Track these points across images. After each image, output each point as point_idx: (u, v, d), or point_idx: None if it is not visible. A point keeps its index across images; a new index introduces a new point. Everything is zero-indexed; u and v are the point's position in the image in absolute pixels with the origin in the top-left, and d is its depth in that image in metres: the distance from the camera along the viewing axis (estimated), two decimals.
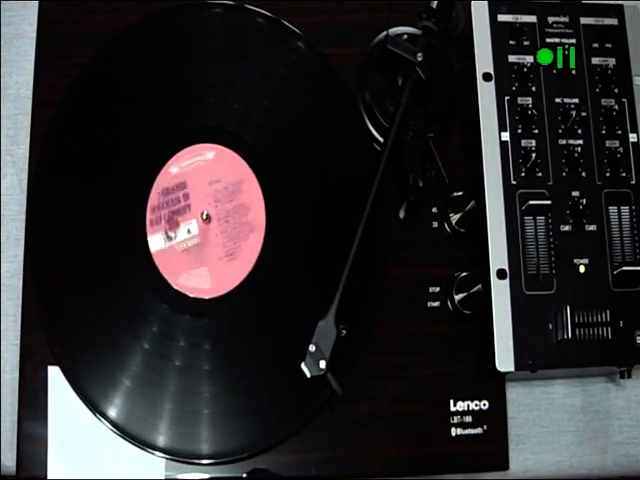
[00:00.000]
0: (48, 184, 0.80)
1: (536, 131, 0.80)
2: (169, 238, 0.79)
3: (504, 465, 0.79)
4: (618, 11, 0.83)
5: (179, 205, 0.80)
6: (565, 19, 0.83)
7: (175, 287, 0.79)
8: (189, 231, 0.80)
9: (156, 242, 0.79)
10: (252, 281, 0.79)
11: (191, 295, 0.78)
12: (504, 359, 0.76)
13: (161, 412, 0.76)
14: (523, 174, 0.79)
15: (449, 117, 0.84)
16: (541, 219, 0.79)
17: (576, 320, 0.76)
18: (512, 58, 0.81)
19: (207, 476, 0.77)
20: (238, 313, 0.79)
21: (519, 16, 0.82)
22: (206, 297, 0.79)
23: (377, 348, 0.80)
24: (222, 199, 0.81)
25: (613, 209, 0.79)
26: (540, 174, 0.79)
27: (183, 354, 0.77)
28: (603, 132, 0.81)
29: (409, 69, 0.78)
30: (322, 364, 0.74)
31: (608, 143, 0.81)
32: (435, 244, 0.82)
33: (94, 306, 0.78)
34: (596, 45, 0.82)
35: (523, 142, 0.80)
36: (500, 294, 0.77)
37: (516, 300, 0.77)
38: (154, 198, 0.80)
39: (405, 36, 0.81)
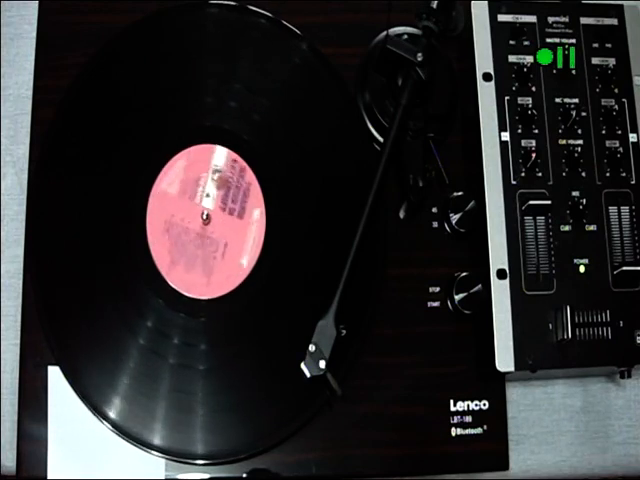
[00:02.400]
0: (48, 184, 0.80)
1: (536, 131, 0.80)
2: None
3: (504, 465, 0.79)
4: (618, 11, 0.83)
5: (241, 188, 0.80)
6: (565, 19, 0.83)
7: (173, 286, 0.79)
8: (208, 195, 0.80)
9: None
10: (252, 282, 0.79)
11: (188, 295, 0.78)
12: (504, 359, 0.76)
13: (161, 412, 0.76)
14: (523, 174, 0.79)
15: (449, 117, 0.84)
16: (541, 219, 0.79)
17: (576, 320, 0.76)
18: (512, 58, 0.81)
19: (207, 476, 0.77)
20: (238, 314, 0.79)
21: (519, 16, 0.82)
22: (204, 298, 0.79)
23: (377, 348, 0.80)
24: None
25: (613, 209, 0.79)
26: (540, 174, 0.79)
27: (180, 353, 0.77)
28: (603, 132, 0.81)
29: (409, 69, 0.78)
30: (322, 364, 0.74)
31: (608, 143, 0.81)
32: (435, 244, 0.82)
33: (94, 306, 0.78)
34: (596, 45, 0.82)
35: (523, 142, 0.80)
36: (500, 294, 0.77)
37: (516, 300, 0.77)
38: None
39: (405, 36, 0.81)
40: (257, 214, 0.79)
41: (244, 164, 0.81)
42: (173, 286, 0.79)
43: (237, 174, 0.80)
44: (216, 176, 0.79)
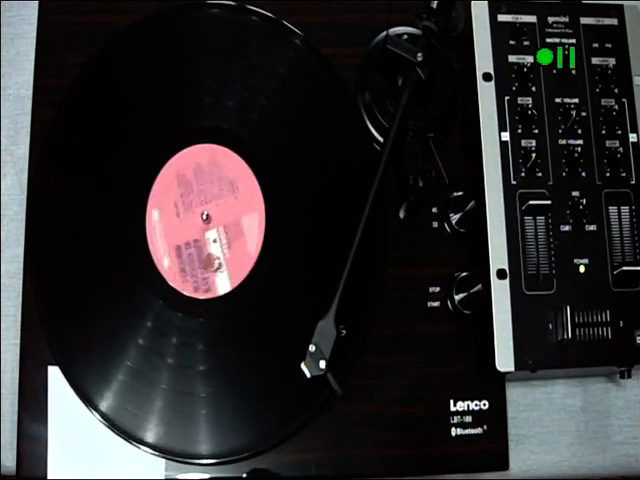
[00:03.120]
0: (48, 184, 0.80)
1: (536, 131, 0.80)
2: (220, 267, 0.79)
3: (504, 465, 0.79)
4: (618, 11, 0.83)
5: (196, 254, 0.79)
6: (565, 19, 0.83)
7: (173, 285, 0.79)
8: (214, 241, 0.80)
9: (224, 283, 0.79)
10: (251, 282, 0.79)
11: (188, 294, 0.79)
12: (504, 359, 0.76)
13: (160, 412, 0.76)
14: (523, 174, 0.79)
15: (449, 117, 0.84)
16: (541, 219, 0.79)
17: (576, 320, 0.76)
18: (512, 58, 0.81)
19: (207, 476, 0.77)
20: (238, 313, 0.79)
21: (519, 16, 0.82)
22: (203, 297, 0.79)
23: (377, 348, 0.80)
24: (193, 197, 0.81)
25: (613, 209, 0.79)
26: (540, 174, 0.79)
27: (179, 353, 0.77)
28: (603, 132, 0.81)
29: (409, 69, 0.78)
30: (322, 364, 0.74)
31: (608, 143, 0.81)
32: (435, 244, 0.82)
33: (94, 306, 0.78)
34: (596, 45, 0.82)
35: (523, 142, 0.80)
36: (500, 294, 0.77)
37: (516, 300, 0.77)
38: (185, 286, 0.79)
39: (405, 36, 0.81)
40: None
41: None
42: (173, 286, 0.79)
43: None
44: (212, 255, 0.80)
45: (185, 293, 0.79)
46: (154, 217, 0.80)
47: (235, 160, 0.82)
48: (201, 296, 0.79)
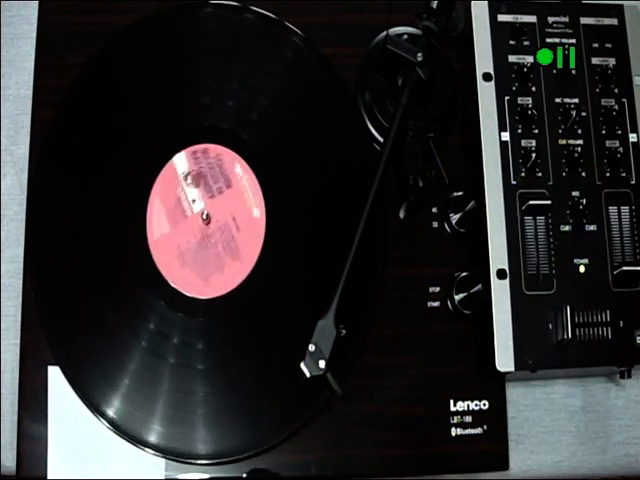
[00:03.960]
0: (48, 184, 0.80)
1: (536, 131, 0.80)
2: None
3: (504, 465, 0.79)
4: (618, 11, 0.83)
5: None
6: (565, 19, 0.83)
7: (174, 285, 0.79)
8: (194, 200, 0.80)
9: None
10: (251, 282, 0.79)
11: (188, 294, 0.79)
12: (504, 359, 0.76)
13: (160, 411, 0.76)
14: (523, 174, 0.79)
15: (449, 117, 0.84)
16: (541, 219, 0.79)
17: (576, 320, 0.76)
18: (512, 58, 0.81)
19: (207, 476, 0.77)
20: (238, 313, 0.79)
21: (519, 16, 0.82)
22: (203, 297, 0.79)
23: (377, 348, 0.80)
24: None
25: (613, 209, 0.79)
26: (540, 174, 0.79)
27: (179, 353, 0.78)
28: (603, 132, 0.81)
29: (409, 69, 0.78)
30: (322, 364, 0.74)
31: (608, 143, 0.81)
32: (435, 244, 0.82)
33: (94, 306, 0.78)
34: (596, 45, 0.82)
35: (523, 142, 0.80)
36: (500, 294, 0.77)
37: (516, 300, 0.77)
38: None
39: (405, 36, 0.81)
40: (239, 168, 0.79)
41: (204, 146, 0.81)
42: (173, 285, 0.79)
43: (203, 160, 0.80)
44: (188, 179, 0.79)
45: (185, 293, 0.79)
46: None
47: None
48: (200, 295, 0.79)
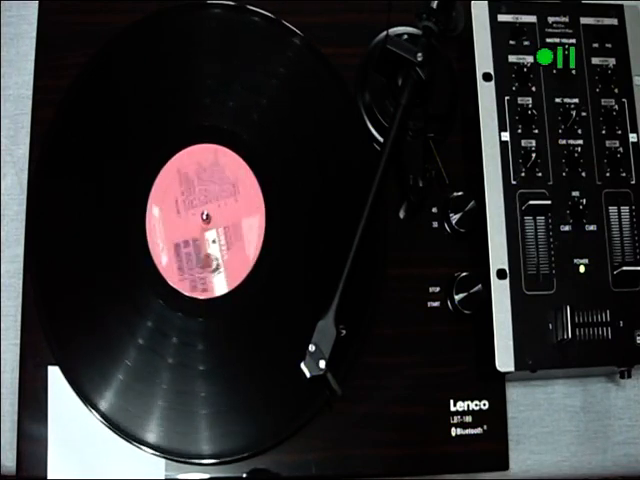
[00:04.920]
0: (48, 184, 0.80)
1: (536, 131, 0.80)
2: (218, 268, 0.79)
3: (504, 465, 0.79)
4: (618, 11, 0.83)
5: (193, 252, 0.79)
6: (565, 19, 0.83)
7: (173, 285, 0.79)
8: (214, 241, 0.80)
9: (221, 284, 0.79)
10: (251, 282, 0.79)
11: (187, 294, 0.79)
12: (504, 359, 0.76)
13: (160, 412, 0.76)
14: (523, 174, 0.79)
15: (449, 117, 0.84)
16: (541, 219, 0.79)
17: (576, 320, 0.76)
18: (512, 58, 0.81)
19: (207, 476, 0.77)
20: (238, 313, 0.79)
21: (519, 16, 0.82)
22: (202, 297, 0.79)
23: (377, 348, 0.80)
24: (194, 197, 0.81)
25: (613, 209, 0.79)
26: (540, 174, 0.79)
27: (179, 353, 0.78)
28: (603, 132, 0.81)
29: (409, 69, 0.78)
30: (322, 364, 0.74)
31: (608, 143, 0.81)
32: (435, 244, 0.82)
33: (94, 306, 0.78)
34: (596, 45, 0.82)
35: (523, 142, 0.80)
36: (500, 294, 0.77)
37: (516, 300, 0.77)
38: (182, 284, 0.79)
39: (405, 36, 0.81)
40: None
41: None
42: (173, 285, 0.79)
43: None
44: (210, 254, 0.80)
45: (185, 293, 0.79)
46: (154, 217, 0.80)
47: (235, 160, 0.82)
48: (199, 295, 0.79)
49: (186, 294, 0.79)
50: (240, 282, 0.79)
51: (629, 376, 0.79)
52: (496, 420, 0.80)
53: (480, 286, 0.79)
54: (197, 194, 0.81)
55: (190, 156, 0.82)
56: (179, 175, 0.81)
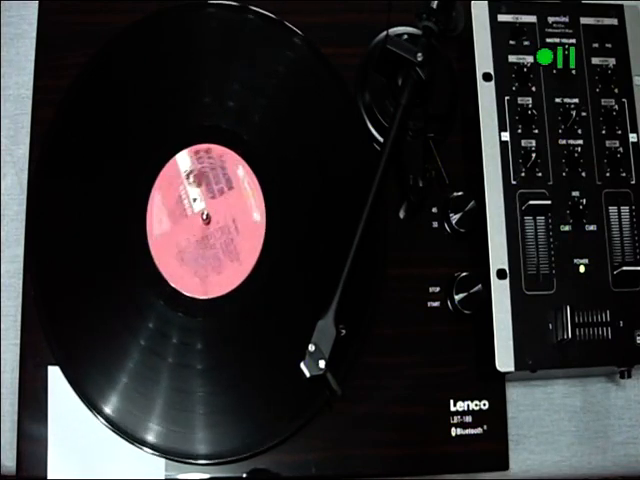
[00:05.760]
0: (48, 184, 0.80)
1: (536, 131, 0.80)
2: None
3: (504, 465, 0.79)
4: (618, 11, 0.83)
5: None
6: (565, 19, 0.83)
7: (174, 285, 0.79)
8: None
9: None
10: (252, 281, 0.79)
11: (187, 294, 0.79)
12: (504, 359, 0.76)
13: (161, 412, 0.76)
14: (523, 174, 0.79)
15: (449, 117, 0.84)
16: (541, 219, 0.79)
17: (576, 320, 0.76)
18: (512, 58, 0.81)
19: (207, 476, 0.77)
20: (238, 313, 0.79)
21: (519, 16, 0.82)
22: (202, 297, 0.79)
23: (377, 348, 0.80)
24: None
25: (613, 209, 0.79)
26: (540, 174, 0.79)
27: (179, 353, 0.78)
28: (603, 132, 0.81)
29: (409, 69, 0.78)
30: (321, 364, 0.74)
31: (608, 143, 0.81)
32: (435, 244, 0.82)
33: (94, 306, 0.78)
34: (596, 45, 0.82)
35: (523, 142, 0.80)
36: (500, 294, 0.77)
37: (516, 300, 0.77)
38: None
39: (405, 36, 0.81)
40: (241, 170, 0.79)
41: (207, 146, 0.81)
42: (173, 285, 0.79)
43: (206, 160, 0.80)
44: (190, 178, 0.79)
45: (186, 293, 0.79)
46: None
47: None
48: (201, 296, 0.79)
49: (186, 294, 0.79)
50: (240, 282, 0.79)
51: (629, 376, 0.79)
52: (496, 420, 0.80)
53: (480, 286, 0.79)
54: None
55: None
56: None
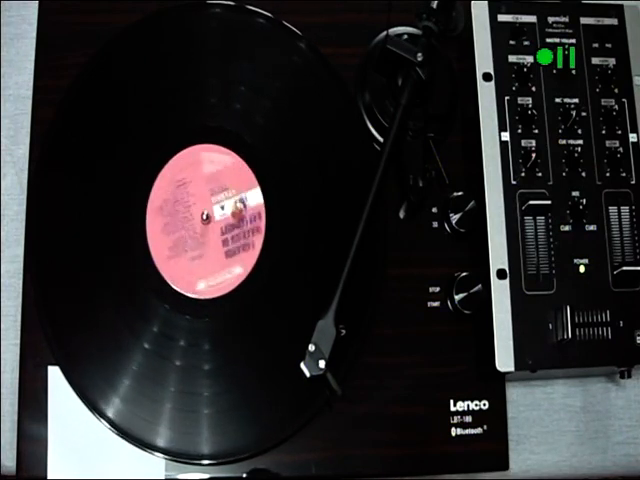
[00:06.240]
0: (48, 184, 0.80)
1: (536, 131, 0.80)
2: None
3: (504, 465, 0.79)
4: (618, 11, 0.83)
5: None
6: (565, 19, 0.83)
7: (175, 287, 0.79)
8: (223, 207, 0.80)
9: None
10: (252, 281, 0.79)
11: (191, 295, 0.79)
12: (504, 359, 0.76)
13: (161, 412, 0.76)
14: (523, 174, 0.79)
15: (449, 117, 0.84)
16: (541, 219, 0.79)
17: (576, 320, 0.76)
18: (512, 58, 0.81)
19: (207, 476, 0.77)
20: (238, 313, 0.79)
21: (519, 16, 0.82)
22: (206, 297, 0.79)
23: (377, 348, 0.80)
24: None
25: (613, 209, 0.79)
26: (540, 174, 0.79)
27: (183, 354, 0.78)
28: (603, 132, 0.81)
29: (409, 69, 0.78)
30: (321, 364, 0.74)
31: (608, 143, 0.81)
32: (435, 244, 0.82)
33: (94, 306, 0.78)
34: (596, 45, 0.82)
35: (523, 142, 0.80)
36: (500, 294, 0.77)
37: (516, 300, 0.77)
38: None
39: (405, 36, 0.81)
40: (238, 270, 0.79)
41: (260, 224, 0.80)
42: (173, 285, 0.79)
43: (249, 225, 0.80)
44: (239, 205, 0.79)
45: (187, 294, 0.79)
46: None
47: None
48: (202, 296, 0.79)
49: (186, 294, 0.79)
50: (240, 282, 0.79)
51: (629, 376, 0.79)
52: (496, 420, 0.80)
53: (480, 286, 0.79)
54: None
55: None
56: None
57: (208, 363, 0.78)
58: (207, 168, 0.81)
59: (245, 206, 0.79)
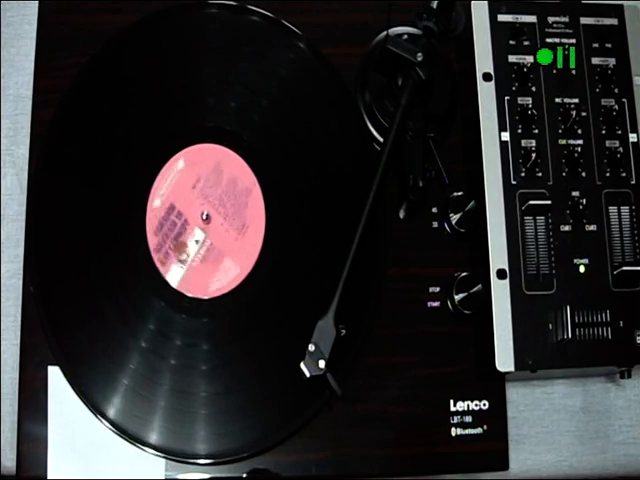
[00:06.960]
0: (48, 184, 0.80)
1: (536, 131, 0.80)
2: (183, 262, 0.79)
3: (504, 465, 0.79)
4: (618, 11, 0.83)
5: (177, 228, 0.79)
6: (565, 19, 0.83)
7: (174, 286, 0.79)
8: (197, 241, 0.80)
9: (175, 274, 0.78)
10: (251, 281, 0.79)
11: (189, 295, 0.79)
12: (504, 359, 0.76)
13: (160, 412, 0.76)
14: (523, 174, 0.79)
15: (449, 117, 0.84)
16: (541, 219, 0.79)
17: (576, 320, 0.76)
18: (512, 58, 0.81)
19: (207, 476, 0.77)
20: (238, 313, 0.79)
21: (519, 16, 0.82)
22: (205, 297, 0.79)
23: (377, 348, 0.80)
24: (209, 191, 0.80)
25: (613, 209, 0.79)
26: (540, 174, 0.79)
27: (181, 354, 0.78)
28: (603, 132, 0.81)
29: (409, 69, 0.78)
30: (321, 364, 0.74)
31: (608, 143, 0.81)
32: (435, 244, 0.82)
33: (94, 306, 0.78)
34: (596, 45, 0.82)
35: (523, 142, 0.80)
36: (500, 294, 0.77)
37: (516, 300, 0.77)
38: (152, 239, 0.79)
39: (405, 36, 0.81)
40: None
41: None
42: (174, 286, 0.79)
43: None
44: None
45: (187, 294, 0.79)
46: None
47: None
48: (202, 296, 0.79)
49: (187, 294, 0.79)
50: (240, 282, 0.79)
51: (629, 376, 0.79)
52: (496, 420, 0.80)
53: (480, 286, 0.79)
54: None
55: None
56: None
57: (206, 363, 0.77)
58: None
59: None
